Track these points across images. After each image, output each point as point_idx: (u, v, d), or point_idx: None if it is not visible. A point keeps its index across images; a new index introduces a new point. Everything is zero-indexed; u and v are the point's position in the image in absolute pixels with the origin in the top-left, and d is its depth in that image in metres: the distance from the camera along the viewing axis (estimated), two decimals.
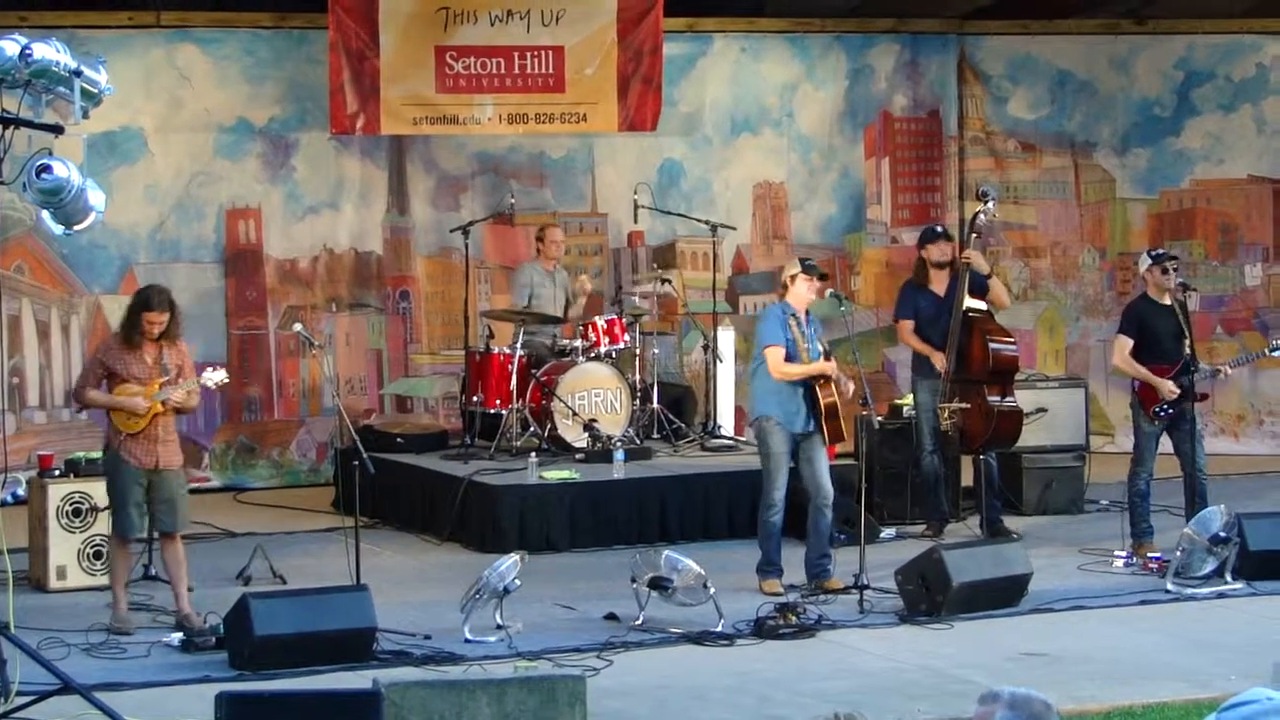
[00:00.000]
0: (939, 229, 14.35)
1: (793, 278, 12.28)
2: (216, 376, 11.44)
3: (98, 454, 12.15)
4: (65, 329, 15.88)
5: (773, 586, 12.10)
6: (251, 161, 16.39)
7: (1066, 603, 11.87)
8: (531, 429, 14.94)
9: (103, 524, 12.11)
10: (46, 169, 8.86)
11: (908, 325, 14.02)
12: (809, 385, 12.08)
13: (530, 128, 16.43)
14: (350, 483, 11.50)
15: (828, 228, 18.05)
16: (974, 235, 14.02)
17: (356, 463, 11.34)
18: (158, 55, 16.06)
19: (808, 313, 12.32)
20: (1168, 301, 13.22)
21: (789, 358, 12.08)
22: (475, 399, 15.07)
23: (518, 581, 10.92)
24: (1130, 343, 13.23)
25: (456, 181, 17.01)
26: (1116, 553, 13.09)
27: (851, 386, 12.23)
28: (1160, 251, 13.56)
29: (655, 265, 17.26)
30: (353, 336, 16.79)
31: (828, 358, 12.11)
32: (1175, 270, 13.28)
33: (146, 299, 11.27)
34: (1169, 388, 12.98)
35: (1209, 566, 12.30)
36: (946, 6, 18.12)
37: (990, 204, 14.15)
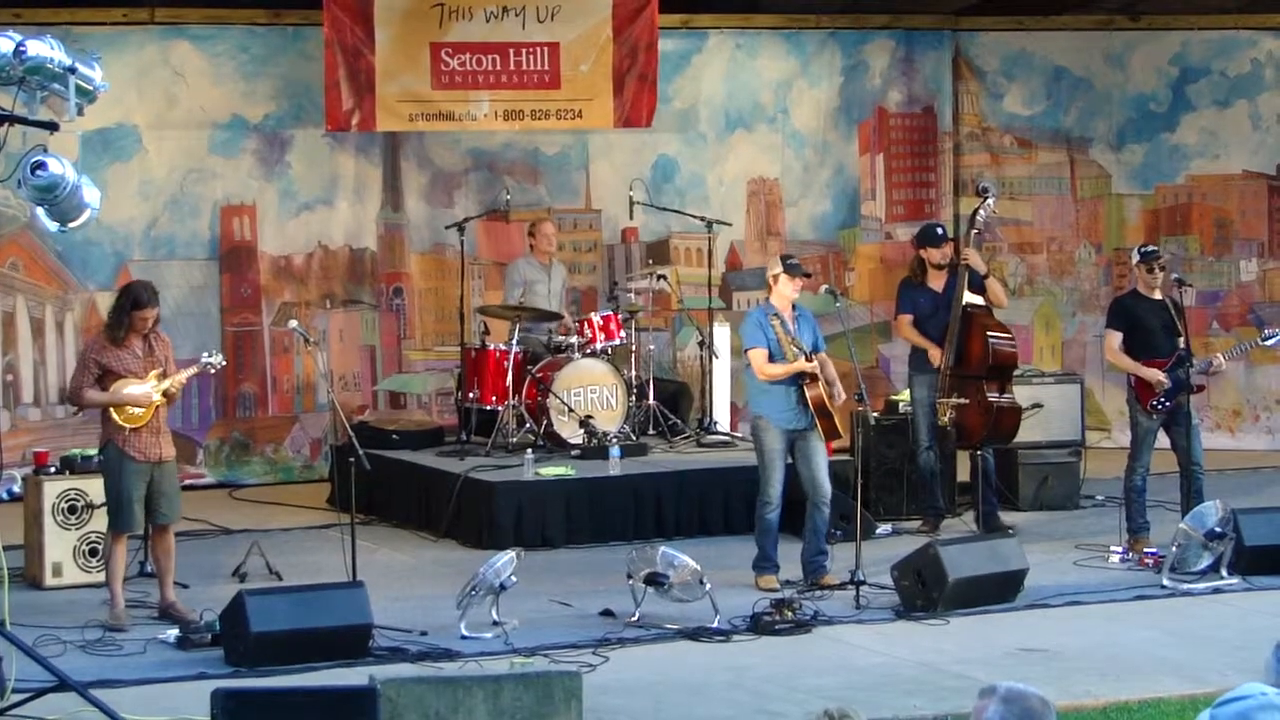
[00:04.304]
0: (939, 230, 14.27)
1: (775, 277, 12.34)
2: (215, 359, 11.59)
3: (93, 451, 12.16)
4: (60, 326, 15.87)
5: (769, 582, 12.11)
6: (246, 158, 16.37)
7: (1063, 598, 11.88)
8: (527, 425, 14.94)
9: (98, 521, 12.11)
10: (41, 166, 8.86)
11: (907, 320, 14.01)
12: (799, 383, 12.10)
13: (525, 124, 16.42)
14: (346, 479, 11.50)
15: (822, 224, 18.05)
16: (974, 231, 14.02)
17: (353, 459, 11.35)
18: (152, 52, 16.04)
19: (797, 309, 12.34)
20: (1158, 296, 13.24)
21: (771, 358, 12.13)
22: (471, 395, 15.06)
23: (514, 578, 10.92)
24: (1118, 336, 13.26)
25: (451, 178, 17.00)
26: (1112, 548, 13.10)
27: (843, 397, 12.26)
28: (1149, 249, 13.56)
29: (649, 260, 17.26)
30: (346, 333, 16.79)
31: (809, 358, 12.07)
32: (1163, 269, 13.30)
33: (137, 296, 11.31)
34: (1158, 377, 12.99)
35: (1204, 562, 12.31)
36: (941, 2, 18.12)
37: (990, 200, 14.16)
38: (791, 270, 12.26)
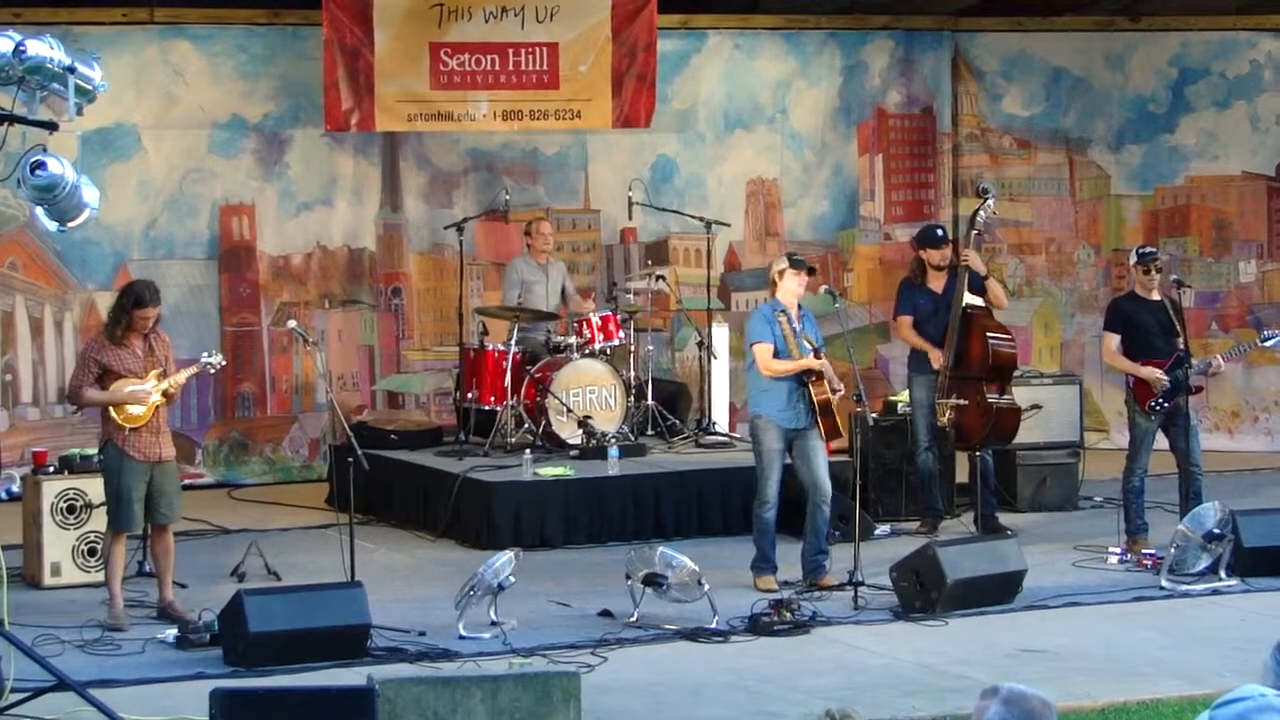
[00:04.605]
0: (940, 232, 14.24)
1: (780, 273, 12.31)
2: (215, 359, 11.57)
3: (92, 450, 12.16)
4: (59, 325, 15.87)
5: (767, 583, 12.11)
6: (245, 158, 16.37)
7: (1061, 599, 11.89)
8: (526, 425, 14.94)
9: (97, 520, 12.11)
10: (41, 165, 8.86)
11: (907, 321, 14.01)
12: (802, 382, 12.09)
13: (524, 124, 16.42)
14: (344, 479, 11.50)
15: (821, 224, 18.05)
16: (974, 232, 14.01)
17: (351, 459, 11.34)
18: (151, 52, 16.04)
19: (800, 308, 12.33)
20: (1156, 298, 13.23)
21: (777, 355, 12.11)
22: (470, 395, 15.06)
23: (512, 578, 10.91)
24: (1115, 338, 13.27)
25: (449, 178, 16.99)
26: (1111, 549, 13.10)
27: (842, 389, 12.23)
28: (1146, 251, 13.56)
29: (648, 260, 17.26)
30: (345, 333, 16.78)
31: (817, 355, 12.09)
32: (1159, 270, 13.29)
33: (139, 295, 11.30)
34: (1156, 375, 12.99)
35: (1203, 563, 12.31)
36: (941, 3, 18.11)
37: (990, 201, 14.15)
38: (796, 265, 12.24)
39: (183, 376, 11.41)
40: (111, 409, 11.26)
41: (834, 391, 12.15)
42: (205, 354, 11.68)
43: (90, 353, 11.44)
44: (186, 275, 16.21)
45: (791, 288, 12.24)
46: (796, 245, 17.30)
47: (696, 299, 16.86)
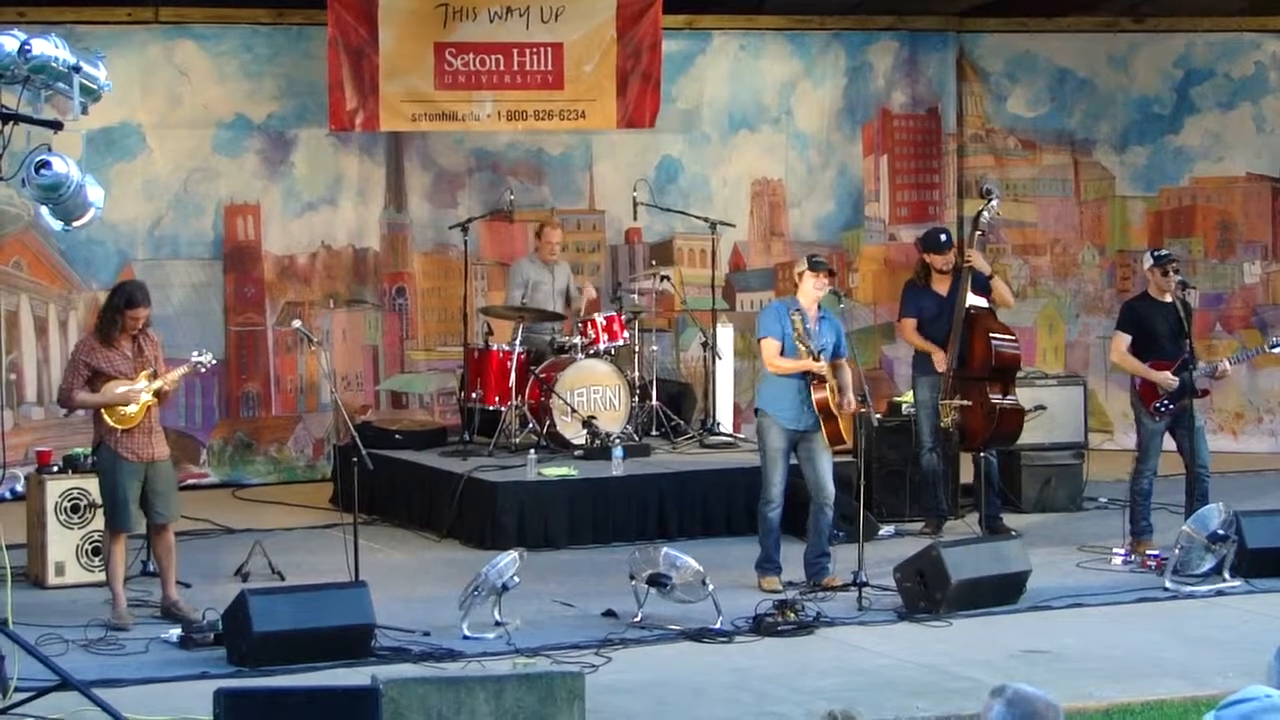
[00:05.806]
0: (943, 238, 14.16)
1: (800, 274, 12.30)
2: (206, 357, 11.52)
3: None
4: (63, 325, 15.87)
5: (771, 583, 12.10)
6: (250, 158, 16.37)
7: (1065, 600, 11.88)
8: (530, 426, 14.93)
9: (101, 520, 12.09)
10: (45, 165, 8.86)
11: (911, 324, 13.98)
12: (808, 383, 12.05)
13: (529, 124, 16.42)
14: (349, 479, 11.50)
15: (825, 225, 18.05)
16: (978, 233, 13.98)
17: (355, 459, 11.35)
18: (156, 51, 16.05)
19: (822, 310, 12.30)
20: (1168, 300, 13.21)
21: (784, 353, 12.09)
22: (474, 395, 15.06)
23: (516, 578, 10.92)
24: (1127, 338, 13.24)
25: (454, 178, 17.00)
26: (1115, 550, 13.09)
27: (852, 405, 12.16)
28: (1163, 253, 13.54)
29: (652, 260, 17.26)
30: (349, 333, 16.79)
31: (817, 358, 12.00)
32: (1176, 271, 13.28)
33: (130, 296, 11.27)
34: (1168, 379, 12.97)
35: (1207, 564, 12.30)
36: (946, 3, 18.11)
37: (994, 201, 14.12)
38: (816, 267, 12.19)
39: (175, 376, 11.37)
40: (103, 411, 11.24)
41: (841, 404, 12.05)
42: (195, 353, 11.60)
43: (80, 355, 11.39)
44: (191, 275, 16.21)
45: (808, 289, 12.20)
46: (801, 246, 17.30)
47: (701, 299, 16.86)
